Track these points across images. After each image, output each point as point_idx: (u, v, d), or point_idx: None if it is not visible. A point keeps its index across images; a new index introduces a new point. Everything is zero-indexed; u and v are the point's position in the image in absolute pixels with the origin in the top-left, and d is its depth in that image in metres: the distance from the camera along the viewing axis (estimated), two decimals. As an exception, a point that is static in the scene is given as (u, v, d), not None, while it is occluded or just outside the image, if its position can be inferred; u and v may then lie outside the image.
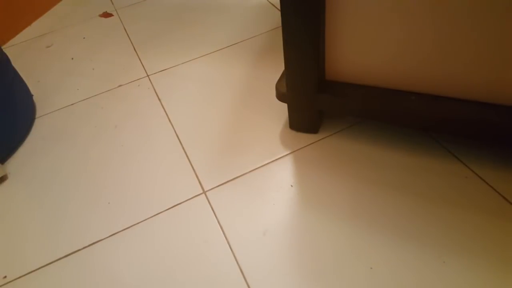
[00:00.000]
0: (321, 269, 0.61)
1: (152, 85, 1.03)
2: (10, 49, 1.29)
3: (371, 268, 0.60)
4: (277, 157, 0.78)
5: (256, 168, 0.77)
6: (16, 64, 0.99)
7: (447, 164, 0.72)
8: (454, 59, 0.60)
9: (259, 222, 0.68)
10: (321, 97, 0.73)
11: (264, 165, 0.77)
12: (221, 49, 1.11)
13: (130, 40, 1.22)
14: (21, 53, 1.26)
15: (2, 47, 0.99)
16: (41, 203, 0.74)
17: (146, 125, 0.91)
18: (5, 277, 0.67)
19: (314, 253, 0.63)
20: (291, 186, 0.73)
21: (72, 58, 1.19)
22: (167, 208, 0.73)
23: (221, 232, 0.68)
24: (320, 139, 0.80)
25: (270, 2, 1.27)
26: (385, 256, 0.61)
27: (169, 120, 0.91)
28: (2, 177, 0.84)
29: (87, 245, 0.70)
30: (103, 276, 0.65)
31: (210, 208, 0.72)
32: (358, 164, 0.74)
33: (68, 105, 1.01)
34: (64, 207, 0.76)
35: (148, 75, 1.06)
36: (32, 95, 1.03)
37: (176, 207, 0.73)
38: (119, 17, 1.36)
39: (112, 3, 1.46)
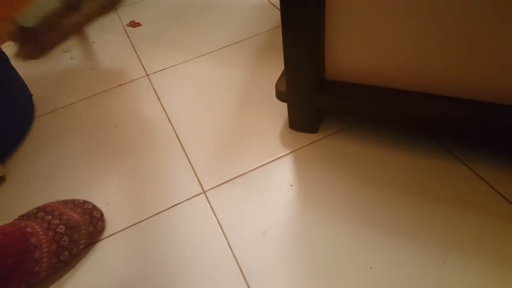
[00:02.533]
0: (321, 268, 0.61)
1: (152, 84, 1.02)
2: (9, 49, 1.28)
3: (371, 268, 0.60)
4: (276, 157, 0.78)
5: (256, 168, 0.77)
6: (15, 63, 0.99)
7: (446, 163, 0.72)
8: (455, 58, 0.60)
9: (259, 221, 0.68)
10: (321, 97, 0.73)
11: (264, 164, 0.77)
12: (220, 48, 1.11)
13: (130, 39, 1.22)
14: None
15: (1, 46, 0.99)
16: (40, 202, 0.74)
17: (146, 125, 0.91)
18: (5, 277, 0.67)
19: (314, 253, 0.63)
20: (291, 185, 0.73)
21: (72, 58, 1.19)
22: (167, 208, 0.73)
23: (221, 232, 0.68)
24: (320, 139, 0.80)
25: (269, 1, 1.27)
26: (385, 256, 0.61)
27: (169, 119, 0.91)
28: (2, 177, 0.84)
29: (86, 244, 0.70)
30: (102, 276, 0.65)
31: (210, 208, 0.71)
32: (357, 164, 0.74)
33: (68, 105, 1.01)
34: (63, 207, 0.76)
35: (147, 74, 1.06)
36: (31, 95, 1.03)
37: (175, 206, 0.73)
38: (118, 16, 1.36)
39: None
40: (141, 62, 1.11)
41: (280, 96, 0.78)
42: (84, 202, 0.71)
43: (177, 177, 0.78)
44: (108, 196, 0.77)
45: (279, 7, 0.69)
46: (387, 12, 0.60)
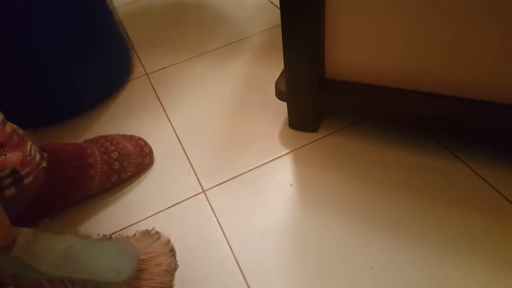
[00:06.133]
0: (321, 268, 0.61)
1: (151, 83, 1.02)
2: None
3: (371, 267, 0.60)
4: (276, 156, 0.78)
5: (256, 167, 0.77)
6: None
7: (447, 163, 0.72)
8: (455, 57, 0.60)
9: (259, 221, 0.68)
10: (320, 96, 0.72)
11: (264, 164, 0.77)
12: (220, 47, 1.11)
13: (129, 38, 1.21)
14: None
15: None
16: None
17: (145, 124, 0.91)
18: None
19: (314, 252, 0.63)
20: (291, 185, 0.73)
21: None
22: (166, 207, 0.73)
23: (221, 232, 0.67)
24: (320, 138, 0.80)
25: (269, 0, 1.27)
26: (385, 256, 0.61)
27: (168, 119, 0.91)
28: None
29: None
30: (102, 275, 0.65)
31: (210, 207, 0.71)
32: (357, 163, 0.74)
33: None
34: (63, 207, 0.76)
35: (147, 74, 1.06)
36: (131, 56, 1.07)
37: (175, 206, 0.73)
38: (117, 14, 1.35)
39: (111, 1, 1.45)
40: (140, 61, 1.11)
41: (279, 95, 0.78)
42: (139, 138, 0.81)
43: (176, 176, 0.78)
44: (107, 195, 0.76)
45: (278, 6, 0.69)
46: (387, 11, 0.60)
